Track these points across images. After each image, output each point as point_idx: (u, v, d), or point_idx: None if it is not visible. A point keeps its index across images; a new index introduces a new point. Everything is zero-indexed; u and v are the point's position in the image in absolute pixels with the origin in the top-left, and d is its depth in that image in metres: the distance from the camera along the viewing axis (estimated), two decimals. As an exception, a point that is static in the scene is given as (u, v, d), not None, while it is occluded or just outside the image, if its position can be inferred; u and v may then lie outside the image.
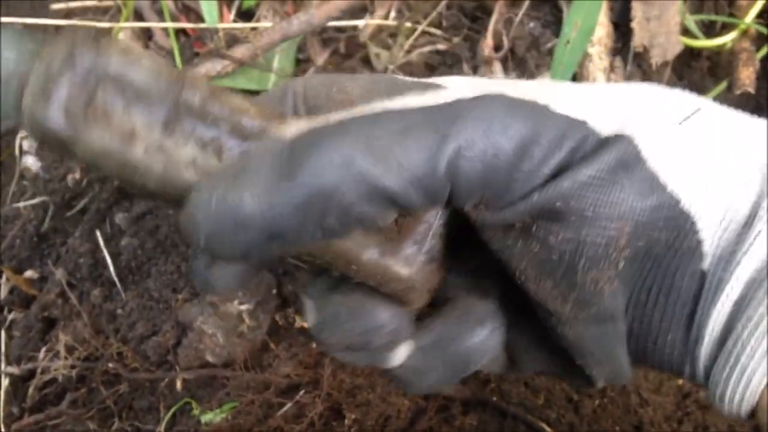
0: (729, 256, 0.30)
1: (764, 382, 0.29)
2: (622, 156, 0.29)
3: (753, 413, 0.31)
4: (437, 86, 0.31)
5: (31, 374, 0.73)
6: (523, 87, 0.30)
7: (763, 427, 0.31)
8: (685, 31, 0.66)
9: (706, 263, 0.30)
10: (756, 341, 0.29)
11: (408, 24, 0.78)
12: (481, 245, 0.32)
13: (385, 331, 0.32)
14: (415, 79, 0.33)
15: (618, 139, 0.29)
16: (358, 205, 0.27)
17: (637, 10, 0.64)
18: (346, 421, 0.64)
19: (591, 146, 0.29)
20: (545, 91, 0.30)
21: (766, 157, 0.31)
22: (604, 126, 0.30)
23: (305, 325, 0.56)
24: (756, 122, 0.32)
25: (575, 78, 0.67)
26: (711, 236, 0.30)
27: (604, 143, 0.29)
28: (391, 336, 0.33)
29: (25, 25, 0.77)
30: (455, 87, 0.30)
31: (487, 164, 0.28)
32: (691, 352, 0.32)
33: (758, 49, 0.66)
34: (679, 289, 0.31)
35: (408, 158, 0.27)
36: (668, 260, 0.30)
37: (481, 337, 0.35)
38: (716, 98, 0.68)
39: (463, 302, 0.36)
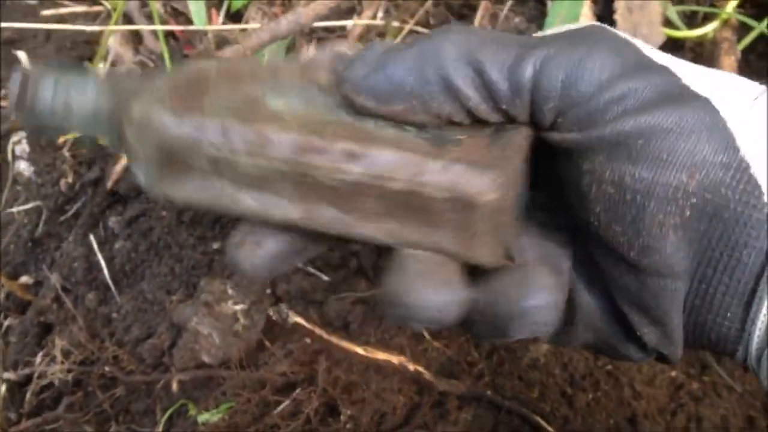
0: None
1: None
2: (704, 111, 0.31)
3: None
4: None
5: (28, 379, 0.74)
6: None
7: None
8: (668, 22, 0.67)
9: None
10: None
11: (396, 23, 0.79)
12: (554, 202, 0.35)
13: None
14: None
15: (704, 98, 0.31)
16: (464, 87, 0.32)
17: (619, 2, 0.65)
18: (342, 418, 0.64)
19: (678, 96, 0.31)
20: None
21: None
22: (693, 85, 0.32)
23: (299, 320, 0.56)
24: None
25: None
26: None
27: (692, 97, 0.31)
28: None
29: (22, 32, 0.78)
30: None
31: (570, 75, 0.31)
32: (747, 332, 0.33)
33: (740, 39, 0.67)
34: (745, 266, 0.31)
35: (505, 53, 0.32)
36: (737, 232, 0.31)
37: (540, 301, 0.35)
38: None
39: (532, 265, 0.36)
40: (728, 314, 0.33)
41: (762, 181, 0.31)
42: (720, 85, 0.33)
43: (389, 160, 0.31)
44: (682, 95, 0.31)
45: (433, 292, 0.32)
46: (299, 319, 0.56)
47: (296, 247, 0.35)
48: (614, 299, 0.35)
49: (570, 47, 0.32)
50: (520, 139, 0.33)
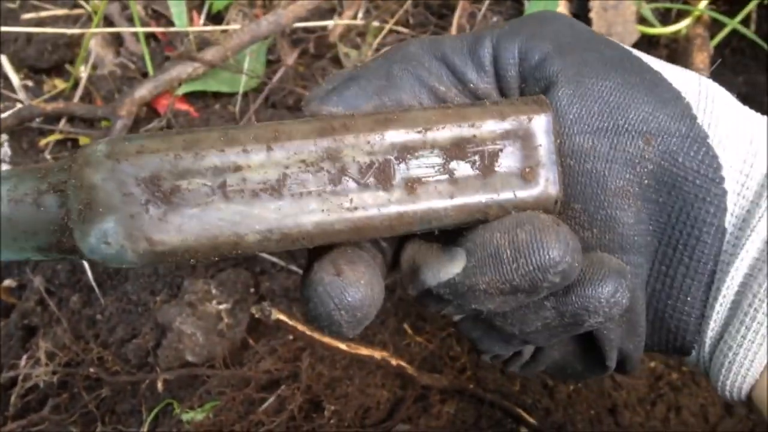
0: (745, 219, 0.31)
1: (764, 363, 0.31)
2: (658, 82, 0.32)
3: (750, 396, 0.33)
4: None
5: (13, 382, 0.73)
6: None
7: (762, 407, 0.32)
8: (642, 20, 0.68)
9: (727, 220, 0.32)
10: (757, 324, 0.31)
11: (376, 23, 0.79)
12: None
13: (558, 269, 0.29)
14: None
15: (656, 70, 0.32)
16: (432, 76, 0.33)
17: (594, 1, 0.66)
18: (325, 413, 0.65)
19: (631, 67, 0.32)
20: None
21: None
22: (644, 58, 0.33)
23: (281, 317, 0.57)
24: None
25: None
26: (732, 191, 0.31)
27: (645, 68, 0.32)
28: (562, 276, 0.29)
29: (2, 35, 0.78)
30: None
31: (526, 43, 0.32)
32: (707, 322, 0.33)
33: (713, 36, 0.68)
34: (705, 244, 0.32)
35: (463, 40, 0.34)
36: (696, 208, 0.31)
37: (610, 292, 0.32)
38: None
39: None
40: (689, 298, 0.33)
41: (720, 153, 0.31)
42: (667, 65, 0.34)
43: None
44: (634, 65, 0.32)
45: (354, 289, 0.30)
46: (282, 316, 0.57)
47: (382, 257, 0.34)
48: None
49: (523, 23, 0.33)
50: None
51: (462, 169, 0.31)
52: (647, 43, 0.70)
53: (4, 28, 0.75)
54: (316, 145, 0.30)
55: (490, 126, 0.31)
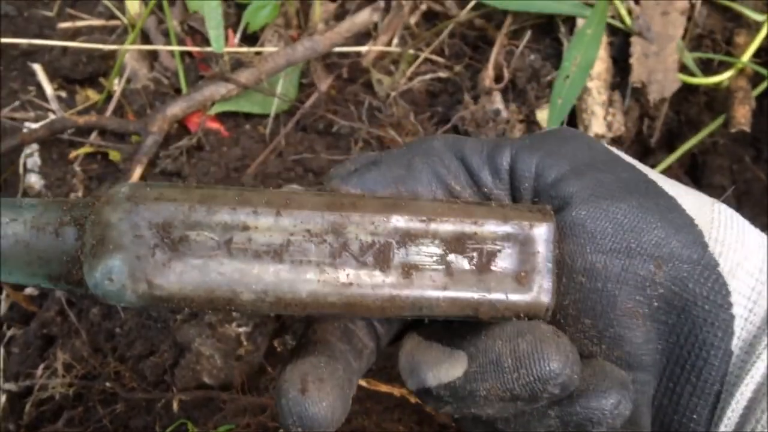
0: (752, 343, 0.32)
1: None
2: (672, 207, 0.33)
3: None
4: None
5: (29, 391, 0.74)
6: None
7: None
8: (683, 68, 0.67)
9: (734, 343, 0.32)
10: None
11: (411, 51, 0.79)
12: None
13: (558, 381, 0.30)
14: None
15: (670, 195, 0.33)
16: (450, 173, 0.34)
17: (636, 46, 0.65)
18: (341, 447, 0.64)
19: (646, 190, 0.33)
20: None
21: None
22: (660, 182, 0.34)
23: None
24: None
25: (574, 111, 0.67)
26: (740, 316, 0.32)
27: (659, 193, 0.33)
28: (561, 387, 0.30)
29: (28, 53, 0.78)
30: None
31: (543, 160, 0.33)
32: None
33: (754, 87, 0.67)
34: (712, 367, 0.32)
35: (484, 145, 0.35)
36: (705, 332, 0.32)
37: (611, 404, 0.32)
38: (712, 134, 0.69)
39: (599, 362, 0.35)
40: (694, 416, 0.33)
41: (729, 281, 0.32)
42: (682, 187, 0.35)
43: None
44: (650, 190, 0.33)
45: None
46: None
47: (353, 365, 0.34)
48: None
49: (543, 139, 0.35)
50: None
51: (459, 262, 0.32)
52: (686, 90, 0.69)
53: (40, 41, 0.75)
54: (323, 218, 0.31)
55: (492, 226, 0.32)
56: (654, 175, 0.35)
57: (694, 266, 0.32)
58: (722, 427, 0.33)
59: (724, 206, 0.35)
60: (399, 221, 0.31)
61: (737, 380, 0.32)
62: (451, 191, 0.34)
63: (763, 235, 0.35)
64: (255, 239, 0.31)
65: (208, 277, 0.30)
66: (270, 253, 0.31)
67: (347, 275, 0.31)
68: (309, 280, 0.31)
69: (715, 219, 0.33)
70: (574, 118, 0.68)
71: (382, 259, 0.31)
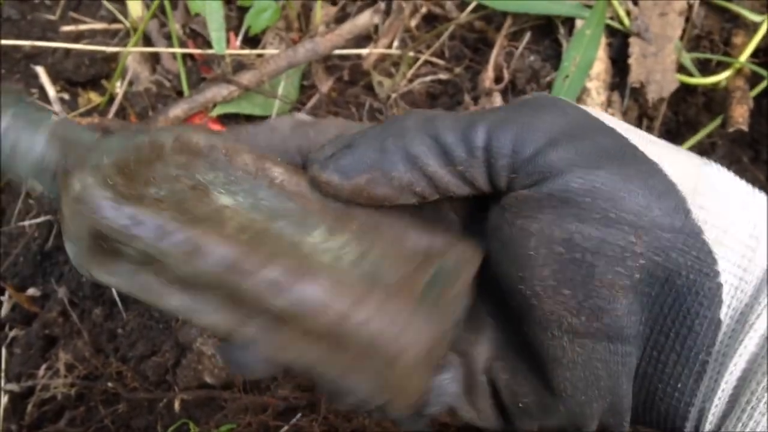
0: (743, 312, 0.32)
1: None
2: (653, 173, 0.32)
3: None
4: None
5: (31, 391, 0.74)
6: None
7: None
8: (681, 68, 0.68)
9: (723, 312, 0.32)
10: (753, 423, 0.31)
11: (411, 53, 0.79)
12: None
13: None
14: None
15: (652, 161, 0.32)
16: (422, 153, 0.33)
17: (634, 47, 0.66)
18: (342, 445, 0.65)
19: (626, 156, 0.32)
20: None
21: None
22: (641, 146, 0.33)
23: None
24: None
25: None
26: (730, 284, 0.31)
27: (640, 159, 0.32)
28: None
29: (41, 47, 0.79)
30: None
31: (520, 134, 0.32)
32: (697, 407, 0.33)
33: (752, 87, 0.68)
34: (697, 335, 0.32)
35: (459, 121, 0.34)
36: (690, 301, 0.31)
37: (439, 381, 0.35)
38: (710, 134, 0.70)
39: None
40: (679, 385, 0.33)
41: (715, 248, 0.31)
42: (666, 150, 0.33)
43: (314, 298, 0.30)
44: (630, 155, 0.32)
45: None
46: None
47: None
48: (548, 379, 0.35)
49: (518, 111, 0.33)
50: (464, 275, 0.34)
51: None
52: (685, 91, 0.70)
53: (43, 43, 0.75)
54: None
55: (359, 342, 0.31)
56: (636, 137, 0.33)
57: (677, 235, 0.31)
58: (715, 401, 0.32)
59: (713, 168, 0.33)
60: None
61: (728, 350, 0.32)
62: (424, 172, 0.33)
63: (757, 194, 0.33)
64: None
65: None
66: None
67: None
68: None
69: (700, 183, 0.32)
70: (573, 119, 0.69)
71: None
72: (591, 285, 0.31)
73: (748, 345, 0.31)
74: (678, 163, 0.33)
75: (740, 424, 0.31)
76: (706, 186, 0.32)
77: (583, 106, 0.34)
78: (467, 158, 0.33)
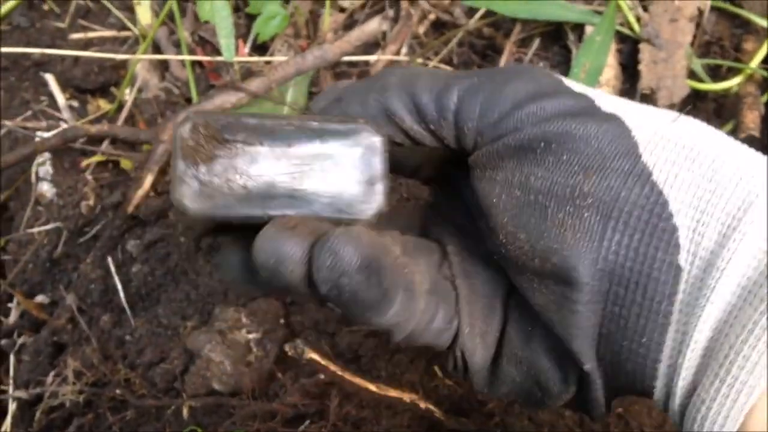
0: (709, 260, 0.30)
1: (740, 421, 0.29)
2: (608, 122, 0.33)
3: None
4: None
5: (39, 398, 0.74)
6: None
7: None
8: (692, 74, 0.67)
9: (682, 258, 0.31)
10: (731, 378, 0.29)
11: (419, 60, 0.79)
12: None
13: None
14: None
15: (610, 113, 0.33)
16: (399, 110, 0.36)
17: (644, 53, 0.65)
18: (351, 453, 0.64)
19: (586, 112, 0.33)
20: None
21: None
22: (606, 106, 0.34)
23: (314, 357, 0.56)
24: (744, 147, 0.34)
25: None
26: (686, 227, 0.31)
27: (599, 112, 0.33)
28: None
29: (50, 54, 0.79)
30: None
31: (488, 99, 0.34)
32: (664, 363, 0.32)
33: (763, 93, 0.68)
34: (657, 281, 0.31)
35: (436, 82, 0.36)
36: (645, 243, 0.31)
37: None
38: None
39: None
40: (643, 339, 0.32)
41: (665, 190, 0.31)
42: (635, 108, 0.34)
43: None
44: (590, 111, 0.33)
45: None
46: (315, 356, 0.56)
47: None
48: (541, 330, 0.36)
49: (491, 77, 0.35)
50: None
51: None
52: (695, 97, 0.69)
53: (52, 51, 0.76)
54: None
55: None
56: (606, 99, 0.34)
57: (625, 176, 0.31)
58: (688, 354, 0.31)
59: (686, 123, 0.33)
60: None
61: (695, 299, 0.31)
62: (400, 127, 0.36)
63: (735, 147, 0.33)
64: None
65: None
66: None
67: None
68: None
69: (658, 132, 0.32)
70: (582, 125, 0.69)
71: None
72: (543, 226, 0.32)
73: (722, 293, 0.30)
74: (643, 116, 0.33)
75: (717, 381, 0.29)
76: (665, 136, 0.32)
77: (562, 77, 0.36)
78: (438, 119, 0.35)
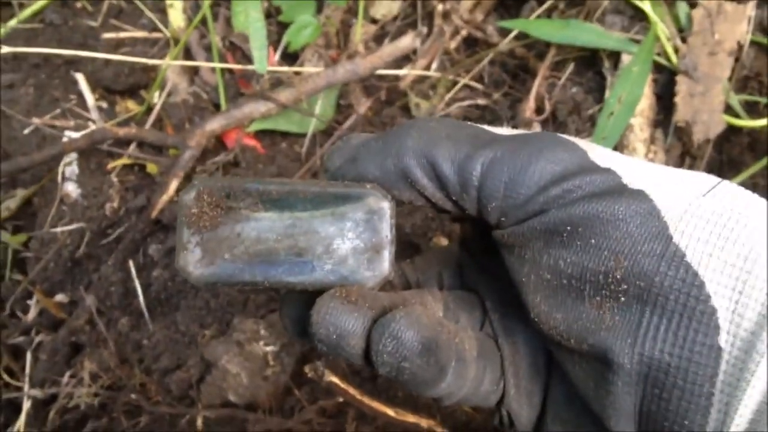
0: (750, 341, 0.30)
1: None
2: (637, 201, 0.32)
3: None
4: None
5: (54, 398, 0.74)
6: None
7: None
8: (728, 108, 0.66)
9: (722, 339, 0.30)
10: None
11: (450, 77, 0.79)
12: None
13: None
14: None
15: (638, 190, 0.32)
16: (419, 177, 0.35)
17: (681, 85, 0.64)
18: (365, 474, 0.64)
19: (614, 190, 0.32)
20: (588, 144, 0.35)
21: None
22: (634, 182, 0.33)
23: (334, 380, 0.56)
24: None
25: (615, 149, 0.67)
26: (725, 308, 0.30)
27: (626, 190, 0.32)
28: None
29: (71, 62, 0.79)
30: None
31: (513, 179, 0.33)
32: None
33: (800, 131, 0.66)
34: (698, 364, 0.31)
35: (457, 149, 0.34)
36: (684, 327, 0.30)
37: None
38: (755, 175, 0.68)
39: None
40: (686, 422, 0.31)
41: (702, 271, 0.30)
42: (664, 179, 0.33)
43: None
44: (617, 190, 0.32)
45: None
46: (335, 379, 0.56)
47: None
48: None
49: (515, 150, 0.34)
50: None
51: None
52: (729, 130, 0.68)
53: (84, 53, 0.75)
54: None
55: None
56: (633, 170, 0.33)
57: (658, 258, 0.31)
58: (733, 427, 0.30)
59: (719, 197, 0.32)
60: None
61: (735, 381, 0.30)
62: (422, 193, 0.35)
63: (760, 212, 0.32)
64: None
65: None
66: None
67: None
68: None
69: (689, 210, 0.31)
70: (614, 154, 0.68)
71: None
72: (579, 309, 0.32)
73: (764, 377, 0.29)
74: (673, 190, 0.32)
75: None
76: (696, 213, 0.31)
77: (587, 148, 0.34)
78: (460, 192, 0.34)
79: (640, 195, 0.32)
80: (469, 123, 0.37)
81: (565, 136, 0.35)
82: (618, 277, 0.31)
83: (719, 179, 0.33)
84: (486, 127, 0.37)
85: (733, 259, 0.30)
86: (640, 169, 0.34)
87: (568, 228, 0.32)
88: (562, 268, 0.32)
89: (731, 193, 0.32)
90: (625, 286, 0.31)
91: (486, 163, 0.34)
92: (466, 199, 0.34)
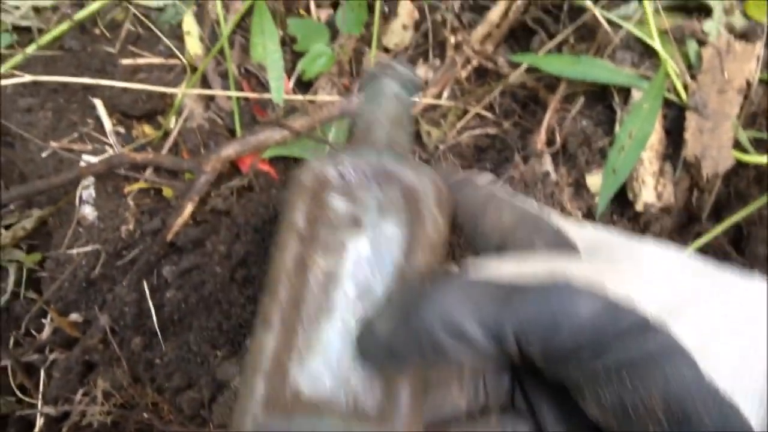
0: None
1: None
2: (664, 342, 0.32)
3: None
4: (570, 248, 0.37)
5: (66, 416, 0.75)
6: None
7: None
8: (736, 143, 0.67)
9: None
10: None
11: (461, 106, 0.80)
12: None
13: None
14: (559, 226, 0.37)
15: (664, 328, 0.32)
16: (450, 347, 0.34)
17: (690, 122, 0.65)
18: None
19: (645, 329, 0.32)
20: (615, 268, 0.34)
21: None
22: (653, 307, 0.32)
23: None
24: None
25: (625, 183, 0.68)
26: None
27: (649, 329, 0.32)
28: None
29: (90, 87, 0.80)
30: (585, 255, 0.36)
31: (547, 334, 0.33)
32: None
33: (807, 167, 0.67)
34: None
35: (483, 314, 0.34)
36: None
37: None
38: (761, 207, 0.69)
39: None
40: None
41: (739, 400, 0.30)
42: (684, 294, 0.33)
43: None
44: (648, 329, 0.32)
45: None
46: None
47: None
48: None
49: (542, 307, 0.33)
50: None
51: None
52: (737, 164, 0.69)
53: (102, 81, 0.77)
54: None
55: None
56: (662, 292, 0.33)
57: (690, 392, 0.31)
58: None
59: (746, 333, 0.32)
60: None
61: None
62: (454, 360, 0.35)
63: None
64: None
65: None
66: None
67: None
68: None
69: (713, 347, 0.32)
70: (624, 187, 0.69)
71: None
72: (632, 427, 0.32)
73: None
74: (701, 320, 0.32)
75: None
76: (720, 352, 0.31)
77: (603, 292, 0.34)
78: (497, 354, 0.34)
79: (666, 331, 0.32)
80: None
81: (576, 275, 0.36)
82: (657, 415, 0.31)
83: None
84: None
85: (756, 375, 0.31)
86: (666, 287, 0.34)
87: (603, 375, 0.32)
88: (603, 403, 0.33)
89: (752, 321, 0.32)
90: (662, 416, 0.31)
91: (517, 324, 0.33)
92: (503, 356, 0.34)
